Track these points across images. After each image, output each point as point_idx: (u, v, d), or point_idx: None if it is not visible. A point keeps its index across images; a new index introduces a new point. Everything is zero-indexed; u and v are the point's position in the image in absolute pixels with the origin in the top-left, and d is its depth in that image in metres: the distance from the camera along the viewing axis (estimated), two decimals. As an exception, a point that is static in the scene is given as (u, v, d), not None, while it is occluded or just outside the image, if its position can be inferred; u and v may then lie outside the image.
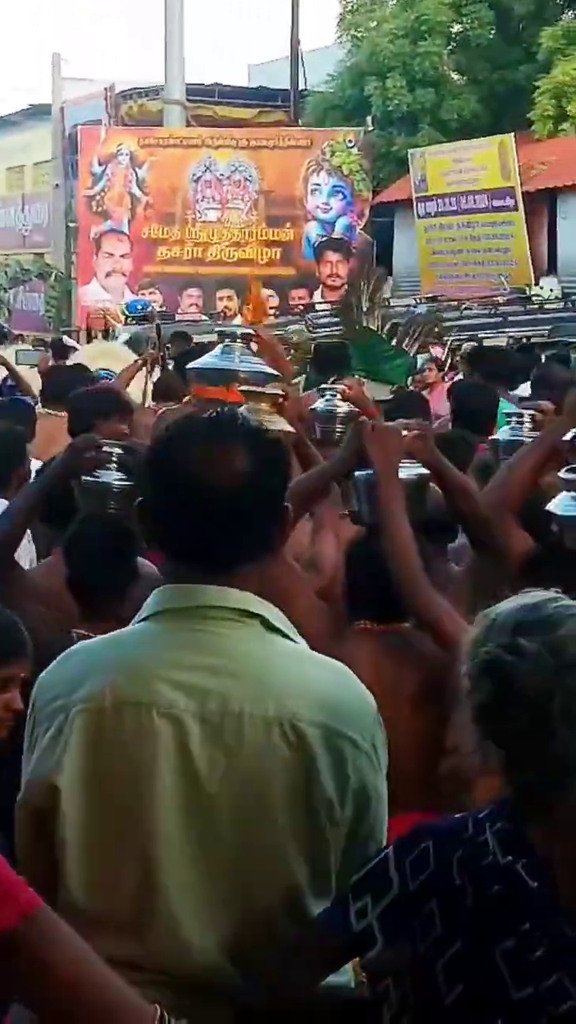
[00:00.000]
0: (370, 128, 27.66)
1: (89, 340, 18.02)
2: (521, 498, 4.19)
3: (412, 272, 26.48)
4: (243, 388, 4.17)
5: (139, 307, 18.41)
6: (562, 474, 4.06)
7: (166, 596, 2.46)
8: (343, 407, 5.04)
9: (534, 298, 18.71)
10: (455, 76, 27.92)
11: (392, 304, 19.85)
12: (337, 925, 2.24)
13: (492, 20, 27.03)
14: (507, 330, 15.58)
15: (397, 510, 3.67)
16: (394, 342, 9.64)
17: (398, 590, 3.60)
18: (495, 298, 18.66)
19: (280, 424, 3.92)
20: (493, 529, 4.01)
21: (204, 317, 20.77)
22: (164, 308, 23.26)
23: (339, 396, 5.07)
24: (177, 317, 21.16)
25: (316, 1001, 2.33)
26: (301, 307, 21.02)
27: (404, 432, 3.86)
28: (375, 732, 2.45)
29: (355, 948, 2.25)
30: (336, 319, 9.93)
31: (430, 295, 20.72)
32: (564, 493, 3.98)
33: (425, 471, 3.92)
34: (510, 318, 16.34)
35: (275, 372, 4.58)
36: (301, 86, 30.73)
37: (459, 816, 2.27)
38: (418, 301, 18.58)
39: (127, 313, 18.28)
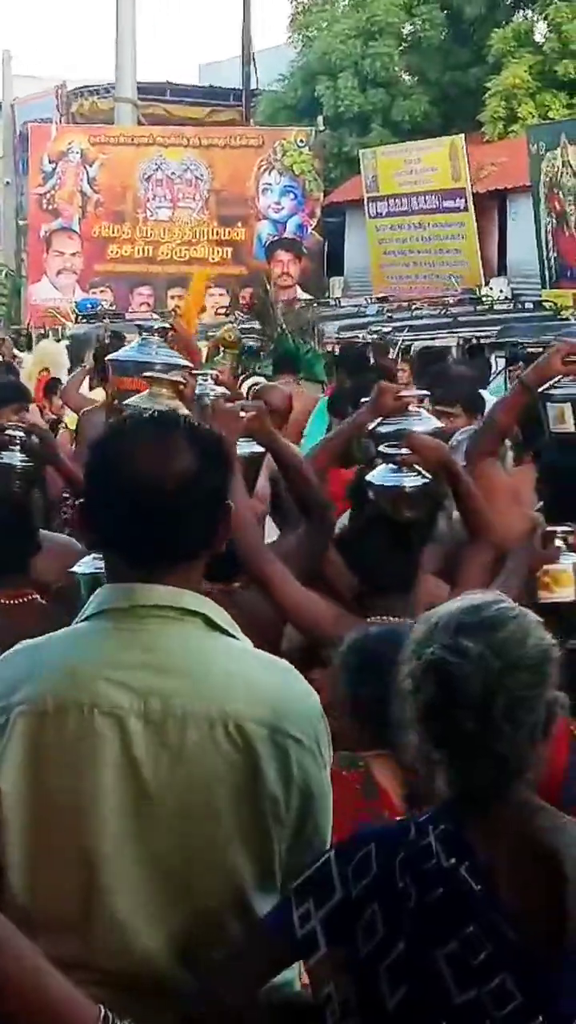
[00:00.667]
0: (321, 128, 27.69)
1: (39, 339, 17.96)
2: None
3: (363, 272, 26.54)
4: (146, 374, 4.39)
5: (89, 306, 18.38)
6: (383, 448, 4.29)
7: (107, 596, 2.44)
8: (217, 390, 5.22)
9: (484, 299, 18.82)
10: (406, 77, 28.01)
11: (343, 304, 19.93)
12: (281, 929, 2.23)
13: (443, 21, 27.11)
14: (457, 331, 15.65)
15: (236, 486, 3.78)
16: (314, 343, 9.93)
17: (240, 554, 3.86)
18: (445, 299, 18.74)
19: (180, 409, 4.06)
20: (322, 507, 4.26)
21: (155, 316, 20.71)
22: (115, 307, 23.18)
23: (212, 380, 5.30)
24: (128, 316, 21.10)
25: (260, 1005, 2.32)
26: (250, 306, 21.02)
27: (243, 413, 4.20)
28: (319, 730, 2.44)
29: (299, 952, 2.24)
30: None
31: (381, 295, 20.80)
32: (382, 464, 4.19)
33: (260, 449, 4.33)
34: (460, 319, 16.43)
35: (188, 363, 4.86)
36: (252, 85, 30.73)
37: (402, 819, 2.27)
38: (369, 301, 18.66)
39: (77, 312, 18.24)
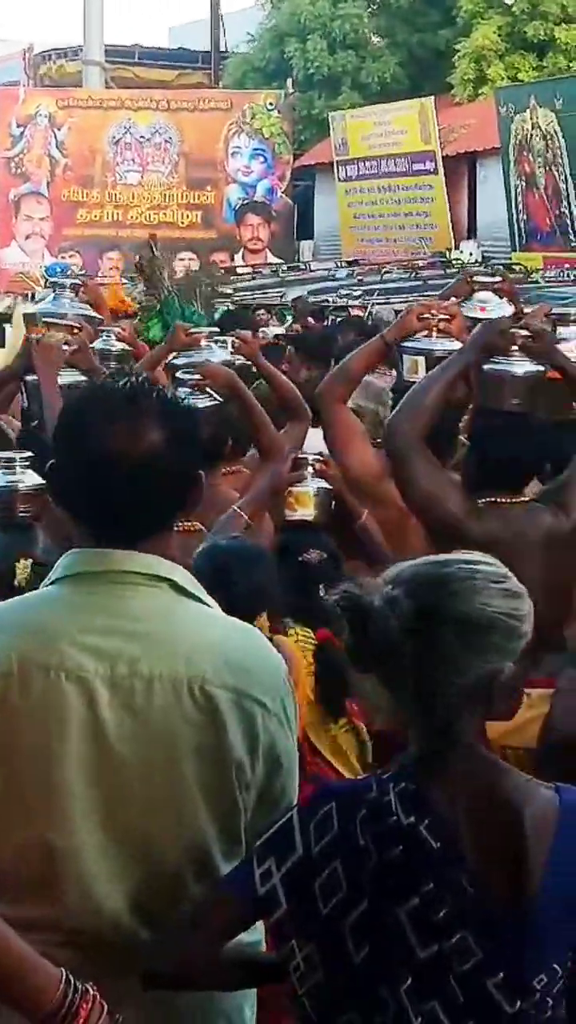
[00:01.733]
0: (290, 91, 27.57)
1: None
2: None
3: (333, 235, 26.47)
4: (45, 319, 5.35)
5: (59, 270, 18.24)
6: (178, 375, 5.09)
7: (75, 560, 2.45)
8: (118, 346, 6.18)
9: (454, 262, 18.77)
10: (375, 39, 27.86)
11: (313, 268, 19.88)
12: (242, 887, 2.25)
13: (413, -17, 26.99)
14: (427, 294, 15.60)
15: (57, 404, 4.63)
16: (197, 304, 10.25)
17: None
18: (415, 262, 18.71)
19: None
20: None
21: (124, 281, 20.61)
22: (84, 271, 23.07)
23: (115, 337, 6.23)
24: (97, 280, 21.00)
25: (224, 963, 2.35)
26: (222, 270, 20.94)
27: (65, 347, 5.23)
28: (285, 694, 2.46)
29: (260, 910, 2.26)
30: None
31: (351, 259, 20.76)
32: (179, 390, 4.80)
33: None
34: (430, 282, 16.38)
35: (99, 316, 6.02)
36: (221, 48, 30.56)
37: (363, 777, 2.30)
38: (338, 264, 18.63)
39: (47, 276, 18.12)
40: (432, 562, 2.26)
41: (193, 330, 5.50)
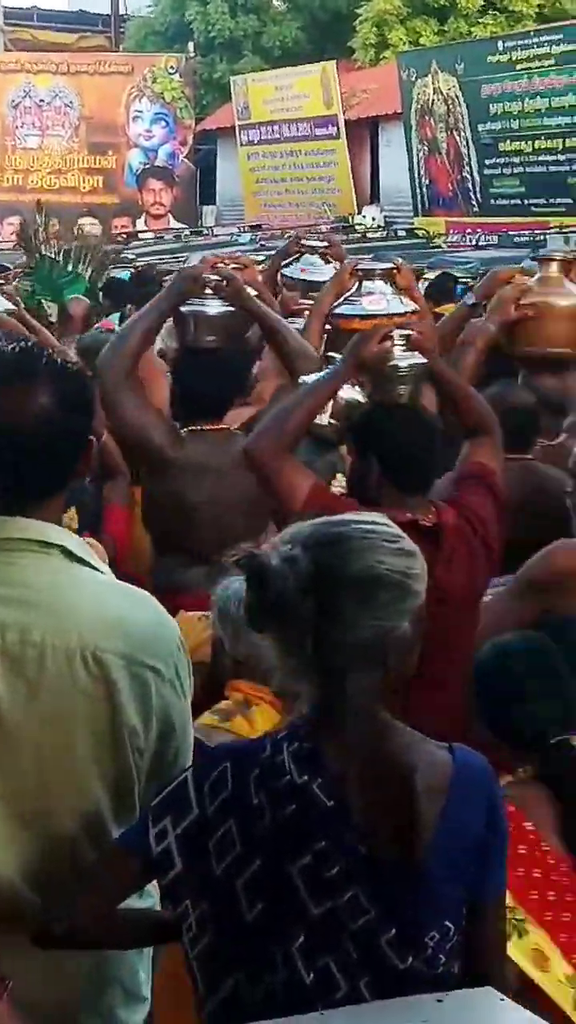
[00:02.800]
0: (191, 54, 27.42)
1: None
2: None
3: (236, 200, 26.42)
4: None
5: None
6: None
7: None
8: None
9: (357, 227, 18.80)
10: (277, 3, 27.79)
11: (216, 233, 19.82)
12: (136, 847, 2.24)
13: (313, -54, 26.93)
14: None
15: None
16: (71, 267, 10.37)
17: None
18: (318, 227, 18.70)
19: None
20: None
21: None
22: (-16, 236, 22.86)
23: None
24: (-2, 246, 20.79)
25: (119, 923, 2.34)
26: (124, 235, 20.83)
27: None
28: (179, 660, 2.45)
29: (154, 870, 2.26)
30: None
31: (254, 223, 20.72)
32: None
33: None
34: (333, 246, 16.37)
35: None
36: (121, 11, 30.32)
37: (258, 737, 2.29)
38: (241, 229, 18.59)
39: None
40: (329, 522, 2.26)
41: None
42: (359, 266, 4.79)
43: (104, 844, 2.35)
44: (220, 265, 5.07)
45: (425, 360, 4.01)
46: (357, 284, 4.68)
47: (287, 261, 6.22)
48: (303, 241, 6.47)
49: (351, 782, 2.17)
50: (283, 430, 3.87)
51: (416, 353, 4.02)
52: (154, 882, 2.32)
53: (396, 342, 4.03)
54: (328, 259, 6.21)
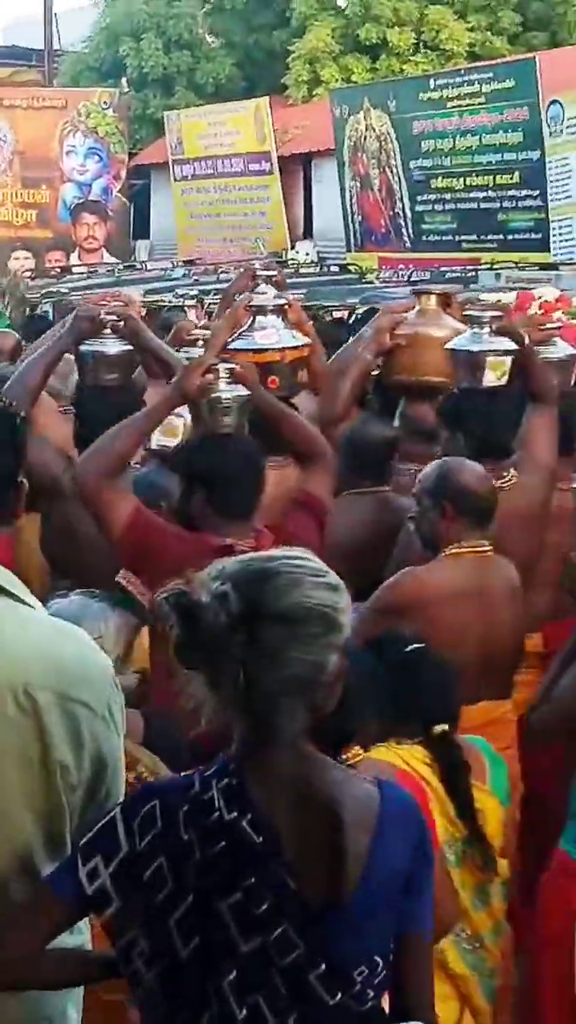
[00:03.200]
0: (125, 90, 27.45)
1: None
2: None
3: (169, 235, 26.43)
4: None
5: None
6: None
7: None
8: None
9: (290, 262, 18.84)
10: (210, 39, 27.90)
11: (149, 267, 19.81)
12: (65, 887, 2.24)
13: (246, -17, 27.09)
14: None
15: None
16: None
17: None
18: (252, 262, 18.72)
19: None
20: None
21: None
22: None
23: None
24: None
25: (49, 962, 2.33)
26: (58, 269, 20.78)
27: None
28: (111, 696, 2.45)
29: (88, 908, 2.25)
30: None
31: (187, 258, 20.73)
32: None
33: None
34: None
35: None
36: (55, 46, 30.30)
37: (187, 773, 2.30)
38: (174, 264, 18.59)
39: None
40: (257, 558, 2.28)
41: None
42: (252, 302, 5.05)
43: (35, 880, 2.34)
44: (114, 304, 5.39)
45: (248, 392, 4.23)
46: (250, 319, 5.02)
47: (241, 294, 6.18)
48: (257, 272, 6.41)
49: (279, 818, 2.18)
50: (108, 455, 4.06)
51: (239, 385, 4.24)
52: (85, 920, 2.31)
53: (221, 375, 4.23)
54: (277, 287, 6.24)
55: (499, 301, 6.34)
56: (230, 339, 4.91)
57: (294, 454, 4.34)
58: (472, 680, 3.86)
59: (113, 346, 5.31)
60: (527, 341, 5.04)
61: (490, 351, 4.98)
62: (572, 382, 5.70)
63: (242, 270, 6.56)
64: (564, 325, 6.32)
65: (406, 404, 5.56)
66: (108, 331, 5.30)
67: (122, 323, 5.23)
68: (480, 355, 5.01)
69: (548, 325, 5.89)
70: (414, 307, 5.63)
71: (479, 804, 3.45)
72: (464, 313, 5.24)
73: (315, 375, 5.40)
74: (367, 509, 4.61)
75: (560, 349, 5.79)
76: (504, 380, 5.01)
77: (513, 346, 4.99)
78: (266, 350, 4.91)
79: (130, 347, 5.30)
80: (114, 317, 5.21)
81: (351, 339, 5.84)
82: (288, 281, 15.69)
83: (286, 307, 5.09)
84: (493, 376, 4.99)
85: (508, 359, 5.01)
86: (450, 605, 4.14)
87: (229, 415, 4.26)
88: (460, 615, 4.17)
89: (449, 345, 5.12)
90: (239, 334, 5.00)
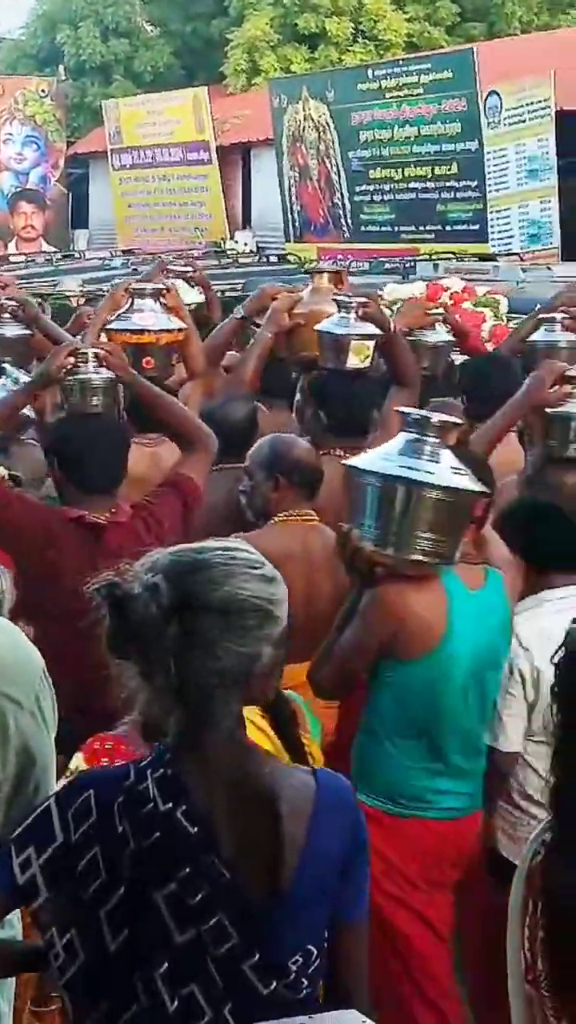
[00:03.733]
0: (63, 78, 27.32)
1: None
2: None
3: (108, 224, 26.33)
4: None
5: None
6: None
7: None
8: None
9: (229, 252, 18.81)
10: (148, 27, 27.82)
11: (88, 257, 19.72)
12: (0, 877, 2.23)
13: (185, -28, 27.02)
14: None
15: None
16: None
17: None
18: (190, 252, 18.68)
19: None
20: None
21: None
22: None
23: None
24: None
25: None
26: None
27: None
28: (40, 690, 2.44)
29: (19, 899, 2.24)
30: None
31: (126, 248, 20.66)
32: None
33: None
34: (205, 272, 16.36)
35: None
36: (-8, 33, 30.11)
37: (122, 764, 2.29)
38: (113, 254, 18.53)
39: None
40: (189, 549, 2.27)
41: None
42: (131, 286, 5.39)
43: None
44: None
45: (114, 375, 4.44)
46: (130, 302, 5.34)
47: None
48: (168, 266, 7.01)
49: (215, 808, 2.17)
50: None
51: (105, 368, 4.45)
52: (16, 913, 2.30)
53: (89, 358, 4.45)
54: (192, 283, 6.84)
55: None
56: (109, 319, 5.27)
57: (172, 436, 4.49)
58: (295, 640, 3.97)
59: (11, 329, 5.76)
60: (392, 327, 5.29)
61: (354, 335, 5.23)
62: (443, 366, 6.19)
63: (157, 261, 6.89)
64: (465, 314, 6.79)
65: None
66: (7, 316, 5.78)
67: (20, 309, 5.68)
68: (344, 338, 5.26)
69: (433, 311, 6.29)
70: (297, 288, 6.02)
71: (309, 750, 3.52)
72: (332, 297, 5.47)
73: (189, 360, 5.67)
74: (231, 486, 4.75)
75: (437, 335, 6.20)
76: (367, 363, 5.27)
77: (377, 331, 5.22)
78: (144, 331, 5.19)
79: (28, 331, 5.72)
80: (14, 303, 5.66)
81: (228, 318, 6.16)
82: (227, 271, 15.73)
83: (164, 292, 5.37)
84: (356, 359, 5.25)
85: (371, 343, 5.25)
86: (278, 566, 4.25)
87: (96, 396, 4.47)
88: (286, 576, 4.28)
89: (316, 327, 5.39)
90: (117, 315, 5.31)
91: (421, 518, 3.47)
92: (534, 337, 6.08)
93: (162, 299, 5.37)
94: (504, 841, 4.01)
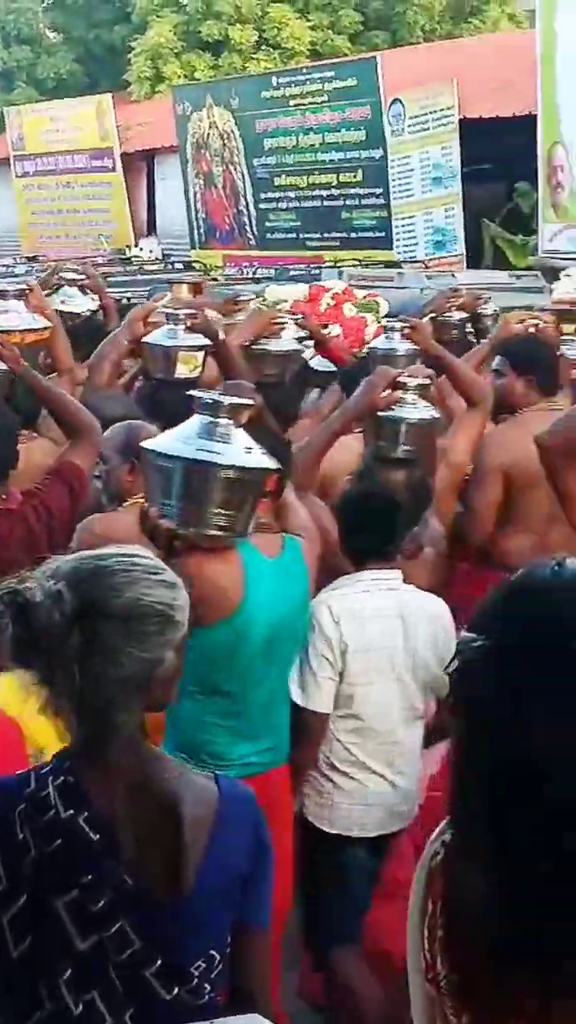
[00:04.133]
0: (-35, 84, 27.14)
1: None
2: None
3: (11, 231, 26.17)
4: None
5: None
6: None
7: None
8: None
9: (134, 259, 18.78)
10: (51, 34, 27.71)
11: (-8, 264, 19.57)
12: None
13: (87, -22, 26.96)
14: (108, 291, 15.53)
15: None
16: None
17: None
18: (95, 259, 18.61)
19: None
20: None
21: None
22: None
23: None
24: None
25: None
26: None
27: None
28: None
29: None
30: None
31: (30, 255, 20.53)
32: None
33: None
34: (110, 279, 16.30)
35: None
36: None
37: (23, 771, 2.27)
38: (17, 261, 18.40)
39: None
40: (90, 556, 2.26)
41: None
42: None
43: None
44: None
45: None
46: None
47: (46, 292, 6.61)
48: (61, 273, 7.18)
49: (117, 815, 2.17)
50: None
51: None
52: None
53: None
54: (86, 290, 7.06)
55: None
56: None
57: (61, 424, 4.67)
58: None
59: None
60: (220, 337, 5.57)
61: (182, 347, 5.49)
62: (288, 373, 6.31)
63: (49, 268, 6.98)
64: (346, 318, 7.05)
65: None
66: None
67: None
68: (172, 350, 5.51)
69: (277, 320, 6.42)
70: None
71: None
72: (161, 310, 5.77)
73: (57, 358, 5.93)
74: None
75: (282, 343, 6.30)
76: (196, 373, 5.50)
77: (205, 342, 5.49)
78: (8, 332, 5.22)
79: None
80: None
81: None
82: (131, 279, 15.66)
83: (27, 292, 5.47)
84: (185, 369, 5.50)
85: (200, 354, 5.51)
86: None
87: None
88: None
89: (145, 339, 5.65)
90: None
91: (213, 497, 3.59)
92: (374, 344, 6.22)
93: (26, 299, 5.47)
94: (311, 807, 4.22)
